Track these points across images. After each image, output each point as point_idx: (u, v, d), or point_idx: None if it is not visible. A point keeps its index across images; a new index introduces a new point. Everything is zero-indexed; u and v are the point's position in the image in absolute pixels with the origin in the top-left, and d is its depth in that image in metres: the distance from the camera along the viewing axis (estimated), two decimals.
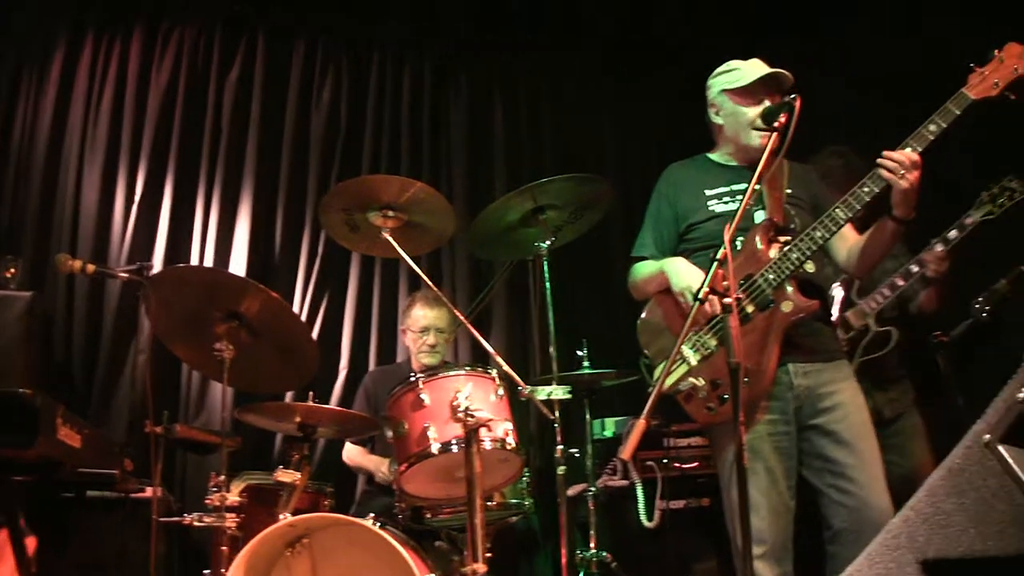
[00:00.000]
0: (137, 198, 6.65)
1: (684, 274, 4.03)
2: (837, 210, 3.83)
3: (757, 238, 3.98)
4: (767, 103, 4.07)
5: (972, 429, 2.19)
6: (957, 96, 3.71)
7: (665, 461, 5.75)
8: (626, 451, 3.05)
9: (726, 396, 3.87)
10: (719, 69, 4.31)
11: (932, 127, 3.70)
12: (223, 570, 4.05)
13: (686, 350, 4.00)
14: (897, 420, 5.24)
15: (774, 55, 4.26)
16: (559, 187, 4.80)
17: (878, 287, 5.17)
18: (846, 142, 5.53)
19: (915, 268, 5.04)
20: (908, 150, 3.69)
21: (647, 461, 5.73)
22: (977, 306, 5.16)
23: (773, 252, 3.92)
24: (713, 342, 3.96)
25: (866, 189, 3.79)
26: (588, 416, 5.63)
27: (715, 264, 3.12)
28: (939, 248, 4.96)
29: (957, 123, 3.70)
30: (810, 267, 3.93)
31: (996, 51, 3.71)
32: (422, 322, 5.93)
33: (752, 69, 4.16)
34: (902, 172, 3.67)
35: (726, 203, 4.18)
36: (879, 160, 3.74)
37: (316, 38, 7.53)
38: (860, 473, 3.83)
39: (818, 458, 3.92)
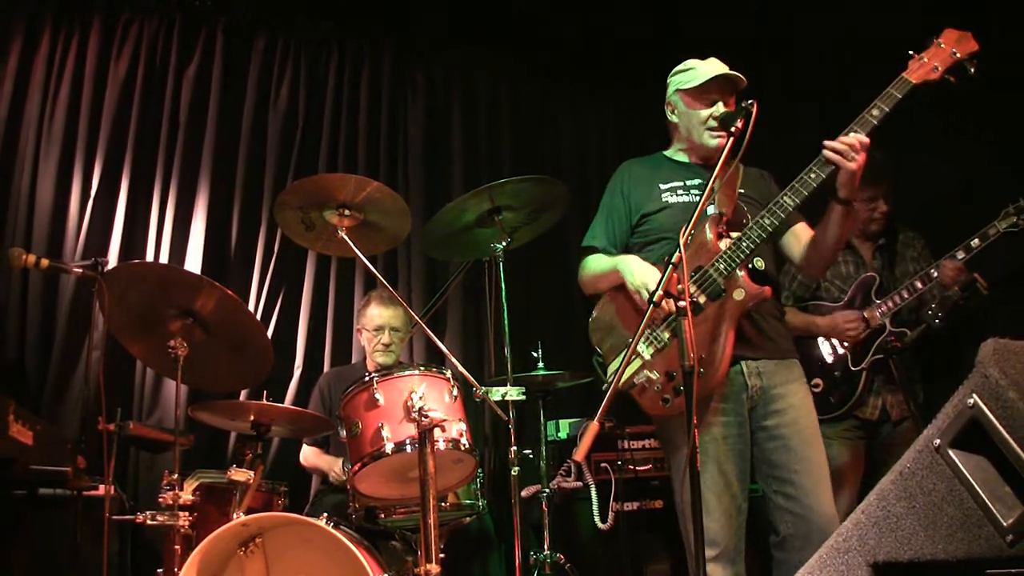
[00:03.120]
0: (93, 192, 6.57)
1: (639, 271, 4.00)
2: (785, 197, 3.82)
3: (707, 228, 3.96)
4: (720, 104, 4.10)
5: (923, 433, 2.22)
6: (898, 81, 3.77)
7: (619, 463, 5.77)
8: (579, 453, 3.07)
9: (682, 387, 3.86)
10: (677, 68, 4.30)
11: (875, 111, 3.74)
12: (176, 569, 4.02)
13: (639, 345, 4.00)
14: (902, 422, 5.28)
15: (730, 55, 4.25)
16: (516, 188, 4.82)
17: (897, 288, 5.22)
18: None
19: (934, 272, 5.09)
20: (855, 135, 3.72)
21: (601, 463, 5.74)
22: (930, 312, 5.24)
23: (723, 244, 3.90)
24: (666, 335, 3.92)
25: (813, 175, 3.79)
26: (542, 417, 5.64)
27: (669, 267, 3.14)
28: (960, 256, 5.03)
29: (899, 107, 3.75)
30: (760, 263, 3.96)
31: (934, 38, 3.79)
32: (377, 321, 5.93)
33: (707, 68, 4.14)
34: (852, 155, 3.70)
35: (679, 195, 4.18)
36: (825, 144, 3.75)
37: (275, 34, 7.48)
38: (806, 479, 3.86)
39: (765, 463, 3.96)
